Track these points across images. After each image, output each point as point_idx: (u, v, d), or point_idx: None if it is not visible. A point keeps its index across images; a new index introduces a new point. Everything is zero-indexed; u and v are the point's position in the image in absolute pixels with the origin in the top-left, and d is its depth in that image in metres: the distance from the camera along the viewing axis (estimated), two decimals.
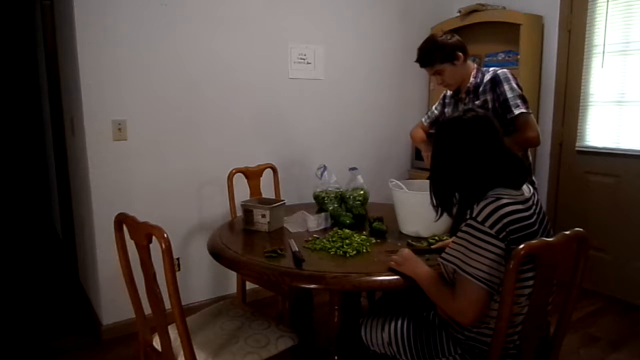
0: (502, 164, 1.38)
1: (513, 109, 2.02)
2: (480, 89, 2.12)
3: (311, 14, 3.14)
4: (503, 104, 2.05)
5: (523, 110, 2.03)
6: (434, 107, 2.44)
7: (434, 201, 1.51)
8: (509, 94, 2.04)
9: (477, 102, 2.13)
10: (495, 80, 2.08)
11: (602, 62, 3.06)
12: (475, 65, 2.19)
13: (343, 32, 3.31)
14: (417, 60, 2.14)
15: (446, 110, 2.34)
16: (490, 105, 2.09)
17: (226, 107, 2.87)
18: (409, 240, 1.85)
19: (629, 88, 2.97)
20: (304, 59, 3.15)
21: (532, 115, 2.08)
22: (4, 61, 5.49)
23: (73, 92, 2.66)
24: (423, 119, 2.50)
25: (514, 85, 2.06)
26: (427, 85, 3.84)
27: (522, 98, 2.05)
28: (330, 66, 3.28)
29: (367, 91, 3.51)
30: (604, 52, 3.05)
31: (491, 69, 2.16)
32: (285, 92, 3.11)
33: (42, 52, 3.83)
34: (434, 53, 2.07)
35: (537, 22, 3.27)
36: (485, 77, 2.13)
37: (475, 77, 2.15)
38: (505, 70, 2.12)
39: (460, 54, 2.09)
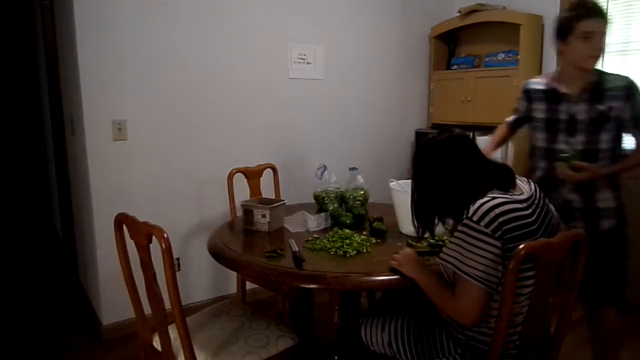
0: (486, 176, 1.39)
1: None
2: (608, 92, 1.77)
3: (311, 14, 3.14)
4: (636, 118, 1.77)
5: None
6: (516, 104, 2.12)
7: (415, 222, 1.52)
8: None
9: (599, 107, 1.77)
10: (633, 88, 1.76)
11: (602, 62, 3.06)
12: None
13: (343, 32, 3.31)
14: (594, 13, 1.71)
15: (534, 107, 1.95)
16: (613, 114, 1.76)
17: (226, 107, 2.87)
18: (409, 241, 1.85)
19: None
20: (304, 59, 3.15)
21: None
22: (4, 61, 5.49)
23: (73, 92, 2.66)
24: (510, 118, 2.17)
25: None
26: (427, 85, 3.84)
27: None
28: (330, 66, 3.28)
29: (367, 91, 3.51)
30: (604, 52, 3.05)
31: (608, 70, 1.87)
32: (285, 92, 3.11)
33: (42, 52, 3.82)
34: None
35: (537, 22, 3.27)
36: (608, 77, 1.79)
37: (592, 74, 1.79)
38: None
39: None
